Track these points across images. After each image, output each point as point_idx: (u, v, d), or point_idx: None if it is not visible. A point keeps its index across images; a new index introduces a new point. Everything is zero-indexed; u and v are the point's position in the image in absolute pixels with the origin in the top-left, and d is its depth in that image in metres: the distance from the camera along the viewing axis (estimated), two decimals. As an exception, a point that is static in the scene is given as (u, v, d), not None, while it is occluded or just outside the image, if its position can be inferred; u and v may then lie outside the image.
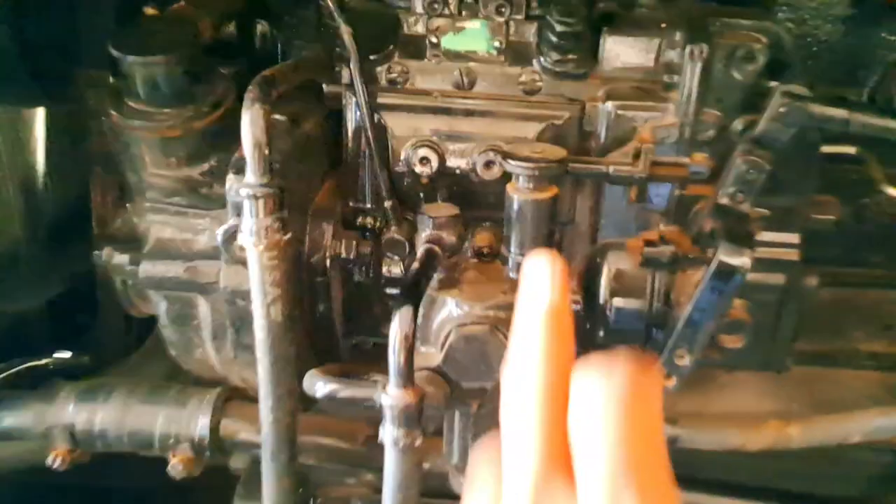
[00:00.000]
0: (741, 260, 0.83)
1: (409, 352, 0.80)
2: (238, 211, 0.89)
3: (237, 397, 1.08)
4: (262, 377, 0.83)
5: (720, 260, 0.84)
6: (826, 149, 1.15)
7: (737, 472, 1.30)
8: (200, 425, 1.04)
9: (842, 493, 1.26)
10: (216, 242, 0.91)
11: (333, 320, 1.07)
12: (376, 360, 1.14)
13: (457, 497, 1.04)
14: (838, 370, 1.30)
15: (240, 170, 0.91)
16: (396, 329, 0.80)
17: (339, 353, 1.13)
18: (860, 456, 1.27)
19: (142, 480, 1.46)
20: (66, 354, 1.47)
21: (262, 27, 1.19)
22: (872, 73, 1.14)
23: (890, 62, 1.13)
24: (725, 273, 0.84)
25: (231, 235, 0.87)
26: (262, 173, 0.75)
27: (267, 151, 0.76)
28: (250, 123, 0.76)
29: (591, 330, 1.03)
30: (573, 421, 0.43)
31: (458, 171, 0.98)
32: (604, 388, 0.43)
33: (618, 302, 0.99)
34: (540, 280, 0.48)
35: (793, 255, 0.99)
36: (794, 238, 0.98)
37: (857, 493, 1.27)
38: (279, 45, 1.19)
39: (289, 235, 0.77)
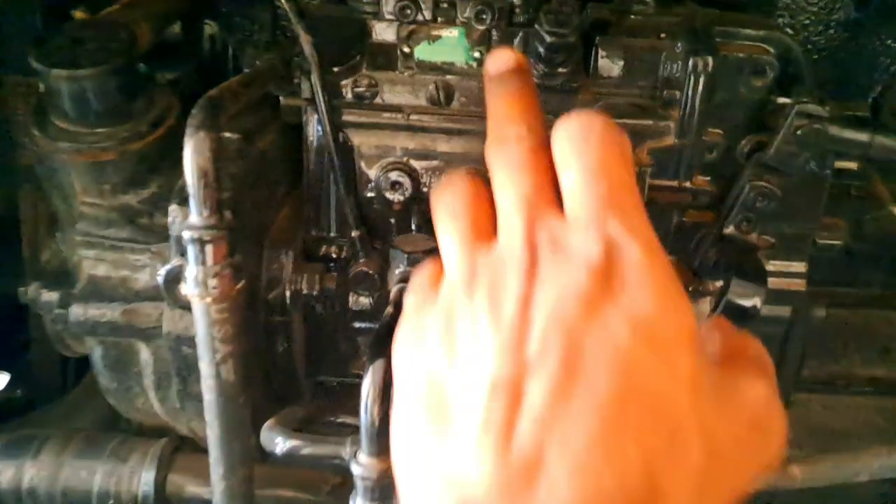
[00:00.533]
0: (753, 301, 0.74)
1: (385, 412, 0.70)
2: (182, 248, 0.78)
3: (186, 448, 0.97)
4: (213, 443, 0.72)
5: (731, 301, 0.75)
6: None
7: None
8: (144, 481, 0.92)
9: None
10: (157, 282, 0.79)
11: (294, 360, 0.96)
12: (342, 398, 1.04)
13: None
14: (835, 396, 1.23)
15: (184, 199, 0.79)
16: (368, 386, 0.70)
17: (300, 393, 1.02)
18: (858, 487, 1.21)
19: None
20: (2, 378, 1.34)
21: (210, 29, 1.08)
22: (876, 82, 1.06)
23: (894, 70, 1.06)
24: (736, 314, 0.75)
25: (174, 277, 0.76)
26: (209, 212, 0.64)
27: (215, 185, 0.64)
28: (194, 153, 0.64)
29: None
30: (557, 155, 0.49)
31: None
32: (586, 124, 0.49)
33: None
34: (502, 54, 0.58)
35: (799, 284, 0.91)
36: (800, 267, 0.90)
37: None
38: (229, 49, 1.08)
39: (241, 284, 0.66)
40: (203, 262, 0.64)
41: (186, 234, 0.64)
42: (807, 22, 1.00)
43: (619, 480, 0.39)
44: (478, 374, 0.43)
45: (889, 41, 1.04)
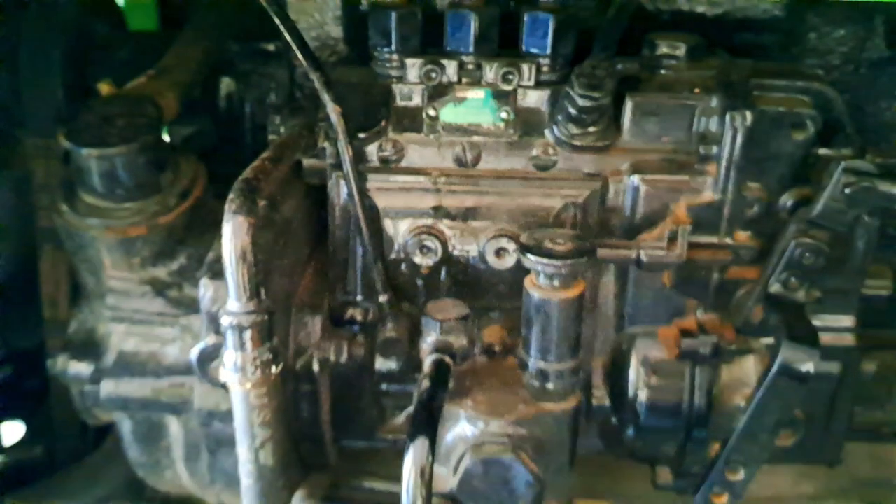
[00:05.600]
0: (808, 364, 0.75)
1: (428, 490, 0.72)
2: (214, 325, 0.81)
3: (216, 521, 0.98)
4: (250, 528, 0.74)
5: (784, 364, 0.76)
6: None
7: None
8: (175, 560, 0.94)
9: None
10: (188, 357, 0.81)
11: (321, 426, 0.98)
12: (368, 461, 1.06)
13: None
14: (883, 445, 1.23)
15: (215, 274, 0.82)
16: (410, 466, 0.71)
17: (326, 457, 1.04)
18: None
19: None
20: (18, 428, 1.36)
21: (227, 86, 1.12)
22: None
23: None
24: (789, 378, 0.77)
25: (208, 356, 0.78)
26: (248, 297, 0.66)
27: (254, 270, 0.66)
28: (233, 237, 0.67)
29: (619, 428, 0.96)
30: None
31: (462, 260, 0.90)
32: None
33: (650, 397, 0.91)
34: None
35: (849, 339, 0.92)
36: (848, 321, 0.91)
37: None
38: (246, 105, 1.12)
39: (279, 368, 0.68)
40: (242, 348, 0.66)
41: (226, 321, 0.66)
42: (836, 62, 1.02)
43: None
44: None
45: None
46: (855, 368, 0.93)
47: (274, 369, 0.67)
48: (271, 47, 1.09)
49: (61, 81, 1.11)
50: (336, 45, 1.00)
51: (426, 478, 0.72)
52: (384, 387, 0.97)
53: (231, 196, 0.68)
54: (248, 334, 0.66)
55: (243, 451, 0.70)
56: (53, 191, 0.93)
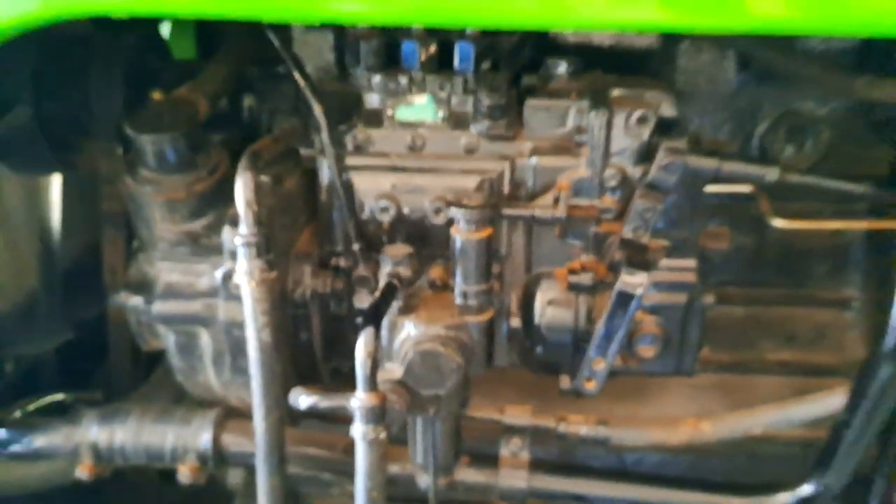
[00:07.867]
0: (638, 279, 1.05)
1: (374, 363, 1.01)
2: (233, 256, 1.11)
3: (234, 416, 1.28)
4: (255, 389, 1.03)
5: (622, 280, 1.05)
6: (728, 188, 1.39)
7: (669, 469, 1.52)
8: (204, 439, 1.23)
9: (758, 482, 1.44)
10: (215, 283, 1.12)
11: (314, 347, 1.28)
12: (353, 382, 1.35)
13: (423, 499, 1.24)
14: (751, 377, 1.52)
15: (234, 223, 1.13)
16: (361, 346, 1.01)
17: (320, 377, 1.33)
18: (774, 450, 1.48)
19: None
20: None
21: (248, 101, 1.42)
22: (761, 125, 1.38)
23: (775, 116, 1.37)
24: (627, 291, 1.06)
25: (227, 276, 1.08)
26: (252, 225, 0.97)
27: (255, 208, 0.97)
28: (243, 187, 0.98)
29: (530, 346, 1.25)
30: None
31: (412, 218, 1.20)
32: None
33: (549, 321, 1.20)
34: None
35: (691, 277, 1.20)
36: (691, 263, 1.20)
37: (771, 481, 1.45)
38: (263, 115, 1.42)
39: (274, 274, 0.98)
40: (249, 258, 0.96)
41: (238, 240, 0.96)
42: (701, 82, 1.32)
43: None
44: None
45: (770, 92, 1.35)
46: (698, 299, 1.22)
47: (270, 274, 0.98)
48: (282, 70, 1.39)
49: (122, 99, 1.41)
50: (330, 68, 1.30)
51: (373, 356, 1.00)
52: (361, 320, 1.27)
53: (242, 160, 1.00)
54: (252, 248, 0.96)
55: (250, 332, 1.00)
56: (115, 181, 1.22)
